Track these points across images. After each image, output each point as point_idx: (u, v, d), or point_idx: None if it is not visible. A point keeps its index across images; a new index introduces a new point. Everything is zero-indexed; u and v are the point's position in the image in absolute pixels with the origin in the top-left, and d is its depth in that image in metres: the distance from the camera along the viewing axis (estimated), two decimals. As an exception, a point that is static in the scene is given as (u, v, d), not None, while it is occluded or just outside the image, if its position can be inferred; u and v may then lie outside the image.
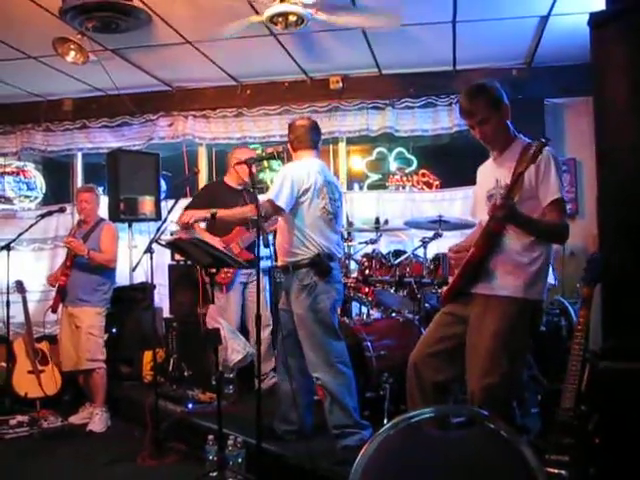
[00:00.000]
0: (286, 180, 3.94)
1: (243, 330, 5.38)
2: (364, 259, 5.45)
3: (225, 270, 5.26)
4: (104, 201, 6.21)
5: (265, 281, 5.63)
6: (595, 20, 2.86)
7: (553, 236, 3.10)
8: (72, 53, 5.26)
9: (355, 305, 5.82)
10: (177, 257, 6.14)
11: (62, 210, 5.93)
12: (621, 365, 2.45)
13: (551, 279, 4.92)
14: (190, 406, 5.06)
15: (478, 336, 3.03)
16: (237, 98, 7.08)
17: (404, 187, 7.33)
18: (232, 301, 5.38)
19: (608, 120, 2.69)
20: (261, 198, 3.87)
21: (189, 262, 5.68)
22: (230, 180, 5.61)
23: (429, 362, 3.18)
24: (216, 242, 5.05)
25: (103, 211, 6.07)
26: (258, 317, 3.62)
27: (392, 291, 5.24)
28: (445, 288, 3.33)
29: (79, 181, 7.82)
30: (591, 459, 2.84)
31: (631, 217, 2.53)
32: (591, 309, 3.23)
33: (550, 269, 4.64)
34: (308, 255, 4.00)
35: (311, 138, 4.18)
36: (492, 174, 3.21)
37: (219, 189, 5.58)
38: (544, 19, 5.32)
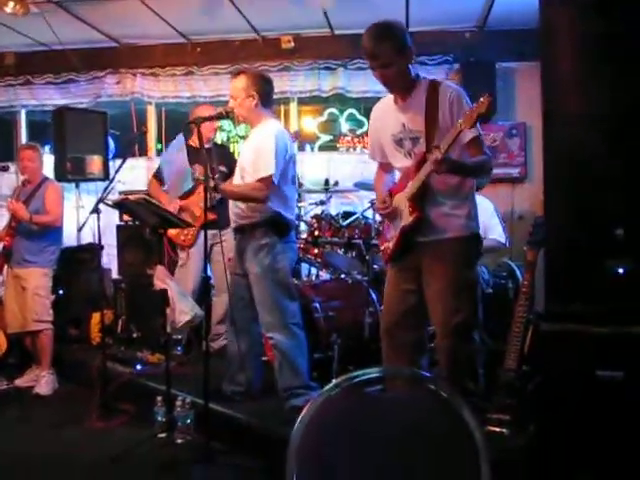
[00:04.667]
0: (280, 149, 3.86)
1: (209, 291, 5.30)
2: (313, 220, 5.44)
3: (185, 232, 5.16)
4: (50, 160, 6.06)
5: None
6: (543, -19, 2.80)
7: (482, 173, 3.25)
8: (11, 4, 5.11)
9: (304, 266, 5.84)
10: (125, 217, 6.05)
11: (4, 169, 5.77)
12: (561, 327, 2.49)
13: (502, 238, 5.08)
14: (139, 367, 5.03)
15: (436, 282, 3.12)
16: (187, 56, 6.96)
17: (355, 149, 7.33)
18: (193, 261, 5.25)
19: (554, 84, 2.68)
20: (253, 171, 3.83)
21: (137, 222, 5.59)
22: (194, 140, 5.42)
23: (399, 324, 3.25)
24: (173, 203, 5.01)
25: (49, 170, 5.92)
26: (205, 279, 3.61)
27: (341, 253, 5.28)
28: (386, 245, 3.37)
29: (23, 139, 7.59)
30: (531, 418, 2.93)
31: (574, 182, 2.56)
32: (536, 272, 3.34)
33: (502, 228, 4.91)
34: (267, 215, 3.95)
35: (273, 97, 4.15)
36: (397, 118, 3.22)
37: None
38: (497, -20, 5.31)
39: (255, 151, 3.93)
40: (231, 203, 4.11)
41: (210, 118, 4.02)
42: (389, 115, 3.28)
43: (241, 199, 3.98)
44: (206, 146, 5.22)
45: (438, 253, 3.12)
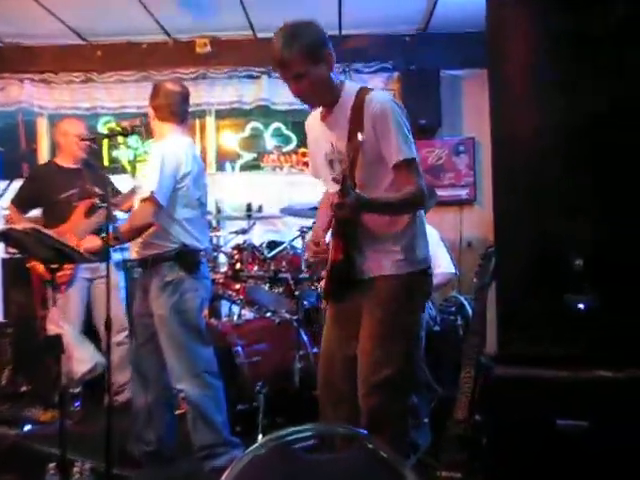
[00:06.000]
0: (166, 167, 3.84)
1: (92, 335, 5.23)
2: (234, 251, 5.42)
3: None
4: None
5: (118, 277, 5.53)
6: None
7: (410, 208, 3.04)
8: None
9: (224, 304, 5.84)
10: (11, 250, 5.94)
11: None
12: (516, 371, 2.53)
13: (452, 268, 5.12)
14: (27, 428, 4.92)
15: (364, 329, 3.03)
16: (86, 60, 6.84)
17: (282, 168, 7.35)
18: (73, 301, 5.18)
19: (504, 97, 2.74)
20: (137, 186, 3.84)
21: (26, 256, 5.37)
22: (63, 159, 5.36)
23: (340, 375, 3.13)
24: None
25: None
26: (108, 320, 3.55)
27: (266, 288, 5.26)
28: (323, 282, 3.32)
29: None
30: (485, 475, 2.95)
31: (527, 206, 2.60)
32: (487, 308, 3.38)
33: (449, 258, 4.93)
34: (172, 246, 3.94)
35: (184, 109, 4.12)
36: (326, 135, 3.11)
37: (49, 172, 5.38)
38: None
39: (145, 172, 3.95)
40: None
41: (115, 134, 3.99)
42: (318, 130, 3.19)
43: (135, 233, 3.93)
44: (75, 166, 5.29)
45: (371, 294, 3.03)
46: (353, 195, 2.72)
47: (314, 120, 3.22)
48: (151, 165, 3.89)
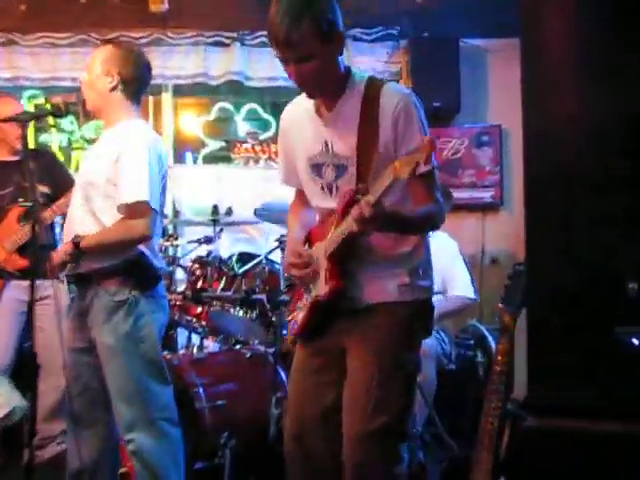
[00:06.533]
0: (153, 166, 3.78)
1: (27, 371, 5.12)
2: (195, 266, 5.39)
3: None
4: None
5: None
6: None
7: (429, 228, 3.15)
8: None
9: (181, 333, 5.76)
10: None
11: None
12: (552, 423, 2.54)
13: (471, 291, 5.08)
14: None
15: (356, 367, 3.05)
16: (6, 17, 6.78)
17: (257, 161, 7.26)
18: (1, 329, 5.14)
19: (540, 74, 2.75)
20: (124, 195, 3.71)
21: None
22: None
23: (313, 431, 3.16)
24: None
25: None
26: (33, 358, 3.51)
27: (236, 312, 5.18)
28: (294, 316, 3.34)
29: None
30: None
31: (567, 216, 2.60)
32: (514, 342, 3.34)
33: (469, 277, 4.94)
34: (122, 258, 3.83)
35: (145, 88, 4.07)
36: (317, 133, 3.10)
37: None
38: None
39: (114, 163, 3.82)
40: (66, 237, 3.98)
41: (44, 114, 3.97)
42: (306, 126, 3.16)
43: (113, 249, 3.85)
44: (11, 159, 5.22)
45: (362, 327, 3.04)
46: (383, 204, 2.72)
47: (298, 113, 3.22)
48: (136, 161, 3.77)
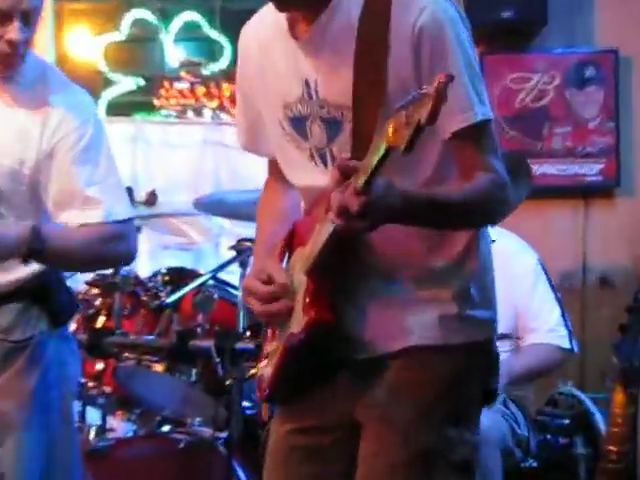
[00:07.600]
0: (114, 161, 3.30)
1: None
2: (93, 291, 4.47)
3: None
4: None
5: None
6: None
7: (484, 216, 2.45)
8: None
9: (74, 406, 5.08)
10: None
11: None
12: None
13: (563, 340, 4.12)
14: None
15: (373, 452, 2.40)
16: None
17: (199, 111, 6.31)
18: None
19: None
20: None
21: None
22: None
23: None
24: None
25: None
26: None
27: (162, 369, 4.31)
28: (260, 369, 2.78)
29: None
30: None
31: None
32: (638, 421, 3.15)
33: (559, 309, 4.43)
34: (22, 274, 3.10)
35: None
36: (294, 67, 2.47)
37: None
38: None
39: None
40: None
41: None
42: (279, 57, 2.54)
43: (93, 264, 3.44)
44: None
45: (380, 390, 2.40)
46: (381, 187, 2.00)
47: (264, 31, 2.60)
48: (96, 163, 3.11)
